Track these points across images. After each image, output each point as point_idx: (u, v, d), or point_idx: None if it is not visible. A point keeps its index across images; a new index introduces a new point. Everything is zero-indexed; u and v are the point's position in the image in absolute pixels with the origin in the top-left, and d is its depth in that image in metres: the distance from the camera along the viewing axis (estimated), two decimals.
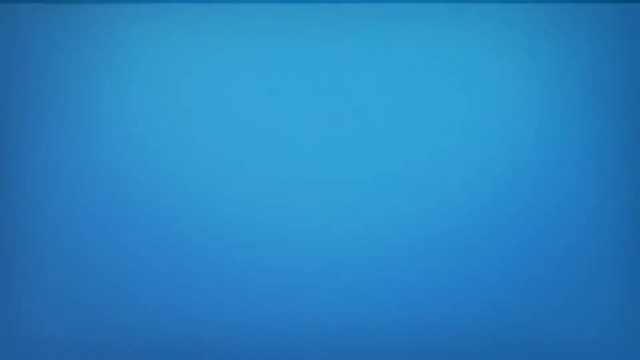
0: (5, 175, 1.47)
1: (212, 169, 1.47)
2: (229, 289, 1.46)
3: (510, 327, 1.45)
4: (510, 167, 1.46)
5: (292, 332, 1.46)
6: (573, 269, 1.45)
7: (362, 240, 1.46)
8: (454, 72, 1.47)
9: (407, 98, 1.47)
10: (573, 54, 1.47)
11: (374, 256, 1.46)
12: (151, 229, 1.47)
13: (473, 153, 1.47)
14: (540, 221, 1.46)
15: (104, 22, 1.48)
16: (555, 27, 1.47)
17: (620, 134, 1.46)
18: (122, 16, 1.48)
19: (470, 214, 1.46)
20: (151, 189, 1.47)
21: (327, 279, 1.46)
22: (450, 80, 1.47)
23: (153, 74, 1.48)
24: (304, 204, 1.47)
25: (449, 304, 1.46)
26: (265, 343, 1.46)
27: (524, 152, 1.46)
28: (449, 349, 1.45)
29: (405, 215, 1.46)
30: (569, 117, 1.46)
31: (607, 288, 1.45)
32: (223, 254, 1.46)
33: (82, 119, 1.47)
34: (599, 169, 1.46)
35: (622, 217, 1.45)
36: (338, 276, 1.46)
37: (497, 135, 1.47)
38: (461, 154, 1.47)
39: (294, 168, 1.47)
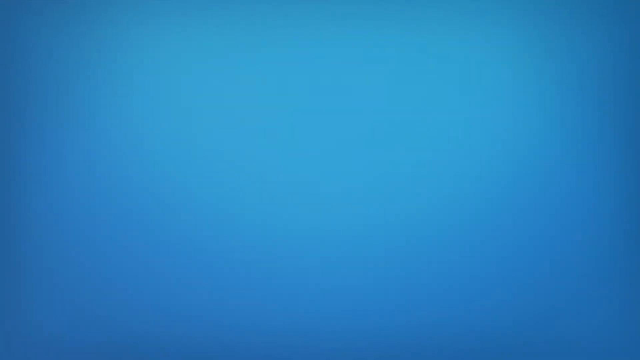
0: (6, 176, 1.47)
1: (212, 169, 1.47)
2: (230, 289, 1.46)
3: (510, 327, 1.45)
4: (510, 167, 1.46)
5: (292, 332, 1.46)
6: (573, 269, 1.45)
7: (362, 240, 1.46)
8: (453, 72, 1.47)
9: (406, 98, 1.47)
10: (573, 54, 1.47)
11: (374, 256, 1.46)
12: (151, 229, 1.47)
13: (473, 152, 1.47)
14: (540, 221, 1.46)
15: (103, 21, 1.48)
16: (554, 25, 1.47)
17: (620, 134, 1.46)
18: (122, 15, 1.48)
19: (471, 214, 1.46)
20: (151, 189, 1.47)
21: (327, 279, 1.46)
22: (449, 80, 1.47)
23: (153, 73, 1.48)
24: (304, 204, 1.47)
25: (449, 303, 1.46)
26: (266, 343, 1.46)
27: (524, 151, 1.46)
28: (448, 349, 1.45)
29: (405, 215, 1.46)
30: (568, 117, 1.46)
31: (607, 288, 1.45)
32: (224, 254, 1.47)
33: (82, 118, 1.47)
34: (598, 169, 1.46)
35: (622, 217, 1.45)
36: (338, 276, 1.46)
37: (497, 135, 1.47)
38: (461, 153, 1.47)
39: (294, 168, 1.47)
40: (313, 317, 1.46)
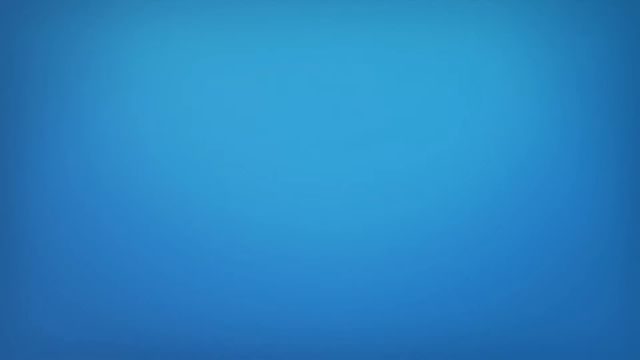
0: (6, 176, 1.47)
1: (212, 169, 1.47)
2: (229, 289, 1.46)
3: (510, 327, 1.45)
4: (510, 167, 1.46)
5: (292, 331, 1.46)
6: (573, 269, 1.45)
7: (362, 240, 1.46)
8: (453, 72, 1.47)
9: (406, 98, 1.47)
10: (573, 54, 1.47)
11: (374, 256, 1.46)
12: (151, 229, 1.47)
13: (472, 153, 1.47)
14: (540, 221, 1.46)
15: (103, 21, 1.48)
16: (554, 25, 1.47)
17: (620, 133, 1.46)
18: (122, 15, 1.48)
19: (470, 214, 1.46)
20: (151, 189, 1.47)
21: (328, 279, 1.46)
22: (449, 80, 1.47)
23: (153, 74, 1.48)
24: (304, 204, 1.47)
25: (449, 303, 1.46)
26: (266, 343, 1.46)
27: (524, 152, 1.46)
28: (449, 349, 1.45)
29: (405, 215, 1.46)
30: (568, 116, 1.46)
31: (607, 288, 1.45)
32: (223, 254, 1.47)
33: (82, 119, 1.47)
34: (598, 169, 1.46)
35: (622, 217, 1.45)
36: (338, 276, 1.46)
37: (497, 136, 1.47)
38: (461, 153, 1.47)
39: (294, 168, 1.47)
40: (313, 317, 1.46)
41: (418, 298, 1.46)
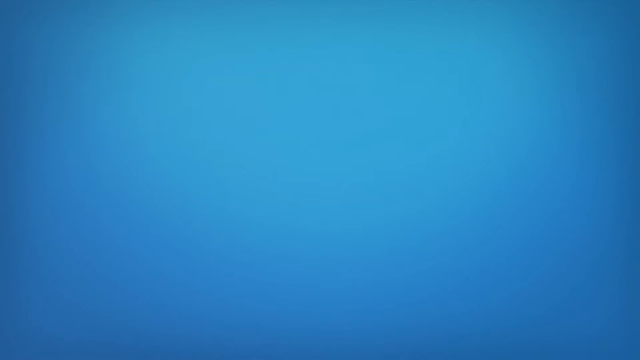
0: (6, 176, 1.47)
1: (212, 169, 1.47)
2: (229, 289, 1.46)
3: (510, 327, 1.45)
4: (510, 167, 1.46)
5: (292, 331, 1.46)
6: (573, 269, 1.45)
7: (362, 240, 1.46)
8: (453, 72, 1.47)
9: (406, 98, 1.47)
10: (573, 54, 1.47)
11: (374, 256, 1.46)
12: (151, 229, 1.47)
13: (472, 153, 1.47)
14: (540, 221, 1.46)
15: (103, 21, 1.48)
16: (554, 25, 1.47)
17: (620, 133, 1.46)
18: (122, 15, 1.48)
19: (470, 214, 1.46)
20: (151, 189, 1.47)
21: (328, 279, 1.46)
22: (449, 80, 1.47)
23: (153, 74, 1.48)
24: (304, 204, 1.47)
25: (449, 303, 1.46)
26: (266, 343, 1.46)
27: (524, 152, 1.46)
28: (449, 349, 1.45)
29: (405, 215, 1.46)
30: (568, 116, 1.46)
31: (607, 288, 1.45)
32: (224, 253, 1.47)
33: (82, 119, 1.47)
34: (598, 169, 1.46)
35: (622, 217, 1.45)
36: (338, 276, 1.46)
37: (497, 136, 1.47)
38: (461, 153, 1.47)
39: (294, 168, 1.47)
40: (313, 317, 1.46)
41: (418, 298, 1.46)
